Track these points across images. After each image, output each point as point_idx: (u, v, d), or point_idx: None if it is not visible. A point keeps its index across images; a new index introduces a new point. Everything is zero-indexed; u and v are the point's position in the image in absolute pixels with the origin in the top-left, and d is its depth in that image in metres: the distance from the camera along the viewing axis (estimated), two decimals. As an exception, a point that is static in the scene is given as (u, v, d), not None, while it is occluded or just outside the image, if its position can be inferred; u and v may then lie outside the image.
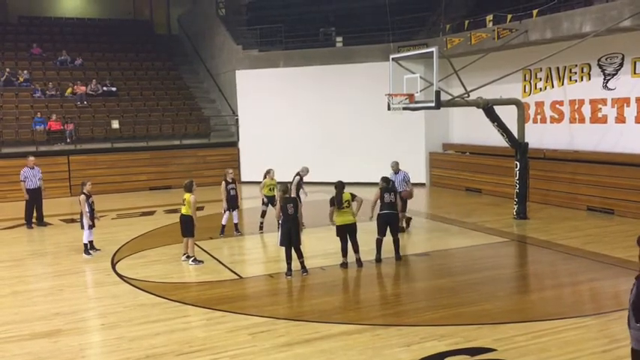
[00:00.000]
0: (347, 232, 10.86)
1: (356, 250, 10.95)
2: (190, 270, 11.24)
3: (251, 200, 18.18)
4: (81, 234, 12.58)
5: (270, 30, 23.61)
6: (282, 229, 10.53)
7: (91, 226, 12.42)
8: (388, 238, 11.30)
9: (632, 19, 13.85)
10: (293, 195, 13.36)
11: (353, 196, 10.91)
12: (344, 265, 10.95)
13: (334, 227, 10.96)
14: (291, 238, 10.43)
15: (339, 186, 10.87)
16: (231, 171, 13.96)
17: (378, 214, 11.37)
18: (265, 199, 14.21)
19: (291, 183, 13.57)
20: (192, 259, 11.55)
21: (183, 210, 11.55)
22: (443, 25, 20.11)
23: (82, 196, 12.29)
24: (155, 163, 22.67)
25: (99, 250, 12.63)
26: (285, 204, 10.55)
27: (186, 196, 11.43)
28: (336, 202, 10.76)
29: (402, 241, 11.78)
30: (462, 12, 21.03)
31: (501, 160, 18.12)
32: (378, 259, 11.27)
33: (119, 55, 27.72)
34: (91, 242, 12.53)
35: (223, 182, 13.63)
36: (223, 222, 13.87)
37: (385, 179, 11.55)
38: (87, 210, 12.27)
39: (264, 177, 14.30)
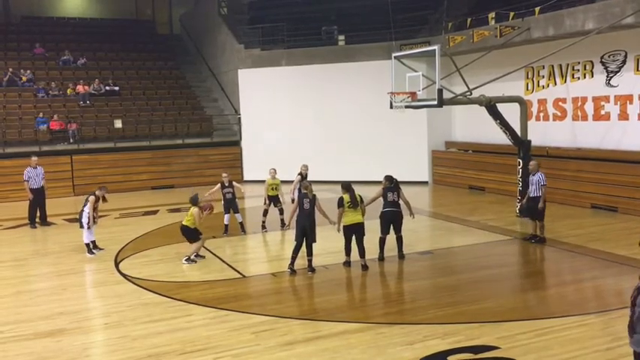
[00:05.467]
0: (353, 233, 10.71)
1: (362, 255, 10.79)
2: (193, 269, 11.24)
3: (253, 199, 18.18)
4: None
5: (272, 29, 23.61)
6: (298, 225, 10.53)
7: (90, 226, 12.41)
8: (391, 236, 11.30)
9: (634, 16, 13.82)
10: (293, 195, 13.38)
11: (361, 198, 10.83)
12: (347, 263, 10.93)
13: (339, 226, 10.82)
14: (305, 234, 10.43)
15: (351, 187, 10.71)
16: (225, 174, 13.95)
17: (382, 212, 11.34)
18: (267, 200, 14.19)
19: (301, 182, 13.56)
20: (186, 258, 11.55)
21: (184, 221, 11.57)
22: (445, 23, 20.08)
23: (92, 197, 12.30)
24: (157, 163, 22.69)
25: (102, 249, 12.64)
26: (302, 199, 10.55)
27: (191, 209, 11.46)
28: (352, 204, 10.57)
29: (406, 239, 11.76)
30: (464, 10, 21.01)
31: (504, 158, 18.09)
32: (381, 258, 11.25)
33: (121, 55, 27.75)
34: (93, 242, 12.55)
35: (219, 185, 13.81)
36: (225, 222, 13.91)
37: (389, 178, 11.47)
38: (91, 210, 12.27)
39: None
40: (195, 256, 11.63)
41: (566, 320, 7.93)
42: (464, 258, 11.76)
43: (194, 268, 11.26)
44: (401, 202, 11.39)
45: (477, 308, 8.59)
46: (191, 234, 11.55)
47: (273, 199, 14.20)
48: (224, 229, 13.89)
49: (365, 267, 10.75)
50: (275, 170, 14.23)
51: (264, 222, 14.26)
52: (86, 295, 9.98)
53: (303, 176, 13.98)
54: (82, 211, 12.38)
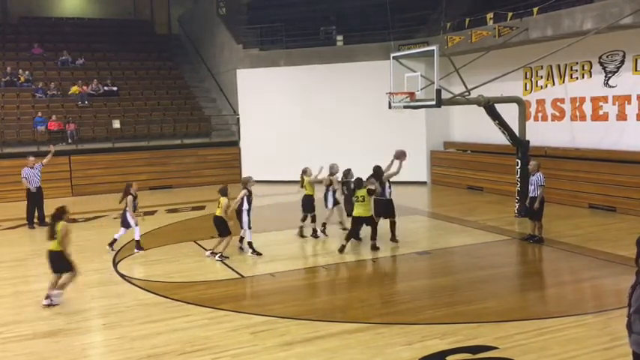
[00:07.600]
0: (363, 223, 11.71)
1: (373, 237, 11.74)
2: (192, 269, 11.23)
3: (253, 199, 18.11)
4: (83, 234, 12.63)
5: (271, 29, 23.61)
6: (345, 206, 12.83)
7: (136, 223, 12.55)
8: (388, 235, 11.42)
9: (632, 16, 13.84)
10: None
11: (370, 192, 11.57)
12: (342, 249, 11.62)
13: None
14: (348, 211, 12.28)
15: (357, 183, 11.72)
16: (253, 179, 12.33)
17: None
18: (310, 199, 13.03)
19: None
20: (219, 255, 11.65)
21: (217, 212, 11.71)
22: (444, 23, 20.08)
23: (130, 197, 12.42)
24: (156, 163, 22.65)
25: (113, 250, 12.64)
26: (345, 186, 12.66)
27: (221, 199, 11.61)
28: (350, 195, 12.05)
29: (405, 239, 12.01)
30: (462, 10, 21.00)
31: (503, 158, 18.11)
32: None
33: (120, 55, 27.73)
34: (114, 239, 12.68)
35: (244, 191, 11.77)
36: (247, 237, 12.12)
37: (373, 169, 12.61)
38: (131, 210, 12.43)
39: (304, 174, 13.08)
40: (219, 256, 11.63)
41: (564, 320, 7.94)
42: (462, 258, 11.78)
43: (193, 269, 11.25)
44: (391, 190, 12.56)
45: (475, 308, 8.60)
46: (223, 225, 11.62)
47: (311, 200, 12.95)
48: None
49: (374, 247, 11.77)
50: (309, 169, 13.27)
51: (324, 224, 13.28)
52: (85, 296, 9.96)
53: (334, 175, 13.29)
54: (125, 212, 12.48)
